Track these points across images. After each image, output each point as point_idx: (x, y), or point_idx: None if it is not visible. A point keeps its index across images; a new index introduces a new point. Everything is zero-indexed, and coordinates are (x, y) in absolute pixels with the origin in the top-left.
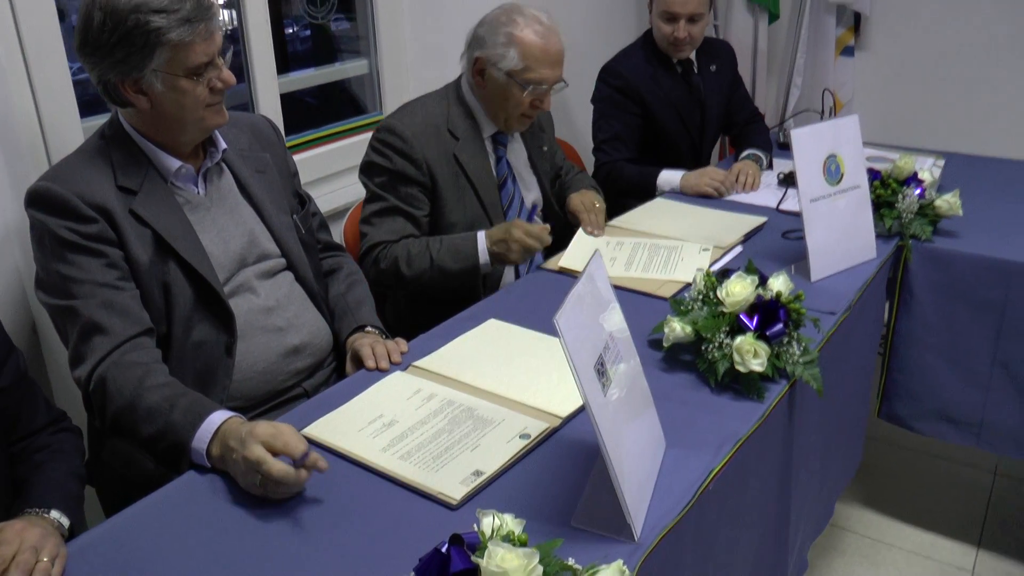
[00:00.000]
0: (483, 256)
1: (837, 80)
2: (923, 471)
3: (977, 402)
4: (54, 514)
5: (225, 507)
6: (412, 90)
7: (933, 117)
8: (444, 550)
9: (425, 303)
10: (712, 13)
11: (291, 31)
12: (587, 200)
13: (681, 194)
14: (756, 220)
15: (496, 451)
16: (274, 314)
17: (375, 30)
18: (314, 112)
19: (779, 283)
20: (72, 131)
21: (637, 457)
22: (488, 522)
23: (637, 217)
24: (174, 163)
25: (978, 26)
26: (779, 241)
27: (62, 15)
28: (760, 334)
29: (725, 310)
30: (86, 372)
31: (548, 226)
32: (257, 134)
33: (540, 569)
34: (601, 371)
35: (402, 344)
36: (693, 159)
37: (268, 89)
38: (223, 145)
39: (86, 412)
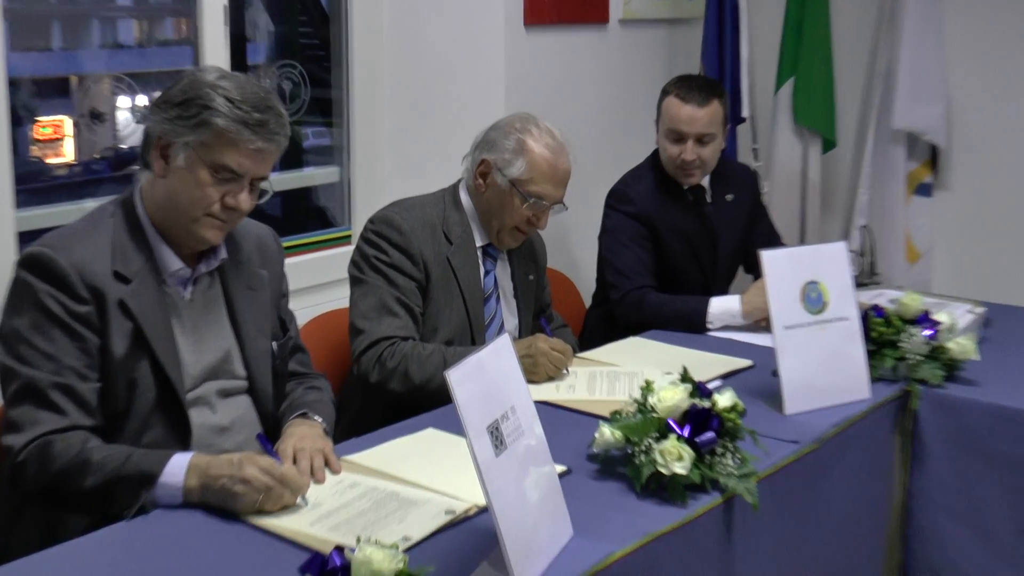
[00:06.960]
0: None
1: (912, 223)
2: None
3: None
4: None
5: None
6: (387, 204)
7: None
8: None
9: (405, 411)
10: (751, 136)
11: None
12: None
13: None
14: (741, 362)
15: (423, 523)
16: (226, 436)
17: (349, 136)
18: (276, 224)
19: (724, 399)
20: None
21: (529, 522)
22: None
23: (614, 352)
24: (174, 263)
25: None
26: (767, 379)
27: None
28: (689, 441)
29: (656, 416)
30: (21, 442)
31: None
32: (261, 248)
33: (404, 559)
34: (496, 435)
35: (334, 465)
36: None
37: None
38: (223, 255)
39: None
